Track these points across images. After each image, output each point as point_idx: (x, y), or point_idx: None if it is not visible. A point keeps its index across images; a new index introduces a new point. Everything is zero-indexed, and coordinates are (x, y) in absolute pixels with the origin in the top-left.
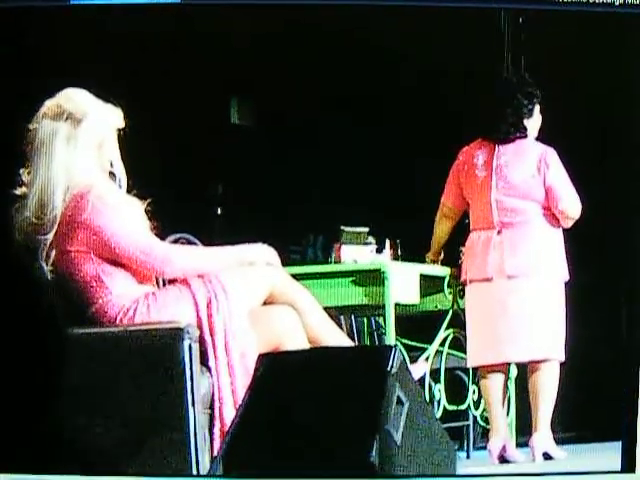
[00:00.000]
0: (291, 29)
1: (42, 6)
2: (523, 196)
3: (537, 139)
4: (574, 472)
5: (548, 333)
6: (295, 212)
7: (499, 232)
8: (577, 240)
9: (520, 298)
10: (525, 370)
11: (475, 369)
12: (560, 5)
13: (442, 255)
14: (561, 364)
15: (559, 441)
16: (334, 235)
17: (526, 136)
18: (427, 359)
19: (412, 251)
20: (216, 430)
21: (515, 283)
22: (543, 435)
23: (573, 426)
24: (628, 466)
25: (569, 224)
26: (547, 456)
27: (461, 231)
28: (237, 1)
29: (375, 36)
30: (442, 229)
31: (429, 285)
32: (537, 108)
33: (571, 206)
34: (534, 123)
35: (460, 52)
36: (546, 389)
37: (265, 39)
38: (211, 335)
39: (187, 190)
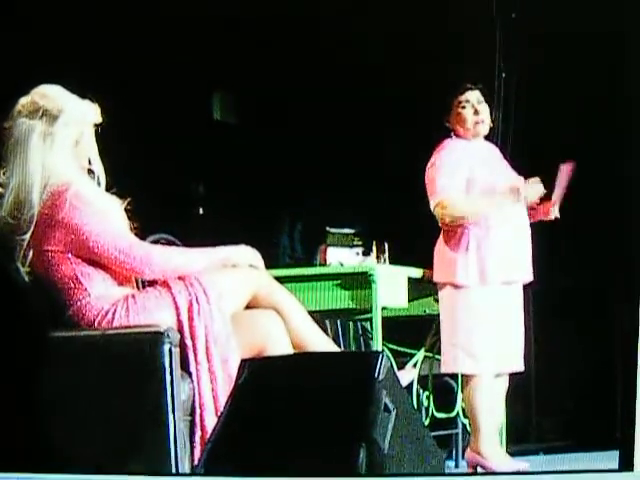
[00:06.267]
0: (275, 20)
1: None
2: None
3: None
4: (572, 471)
5: (480, 343)
6: (279, 213)
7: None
8: (559, 243)
9: (461, 306)
10: (516, 377)
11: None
12: None
13: None
14: (553, 372)
15: (555, 450)
16: (320, 237)
17: (450, 136)
18: (415, 365)
19: (400, 254)
20: (197, 438)
21: (459, 291)
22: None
23: (568, 434)
24: (626, 464)
25: (445, 219)
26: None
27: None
28: None
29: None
30: None
31: (417, 289)
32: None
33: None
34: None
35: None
36: (478, 404)
37: (249, 33)
38: (192, 339)
39: (168, 189)
